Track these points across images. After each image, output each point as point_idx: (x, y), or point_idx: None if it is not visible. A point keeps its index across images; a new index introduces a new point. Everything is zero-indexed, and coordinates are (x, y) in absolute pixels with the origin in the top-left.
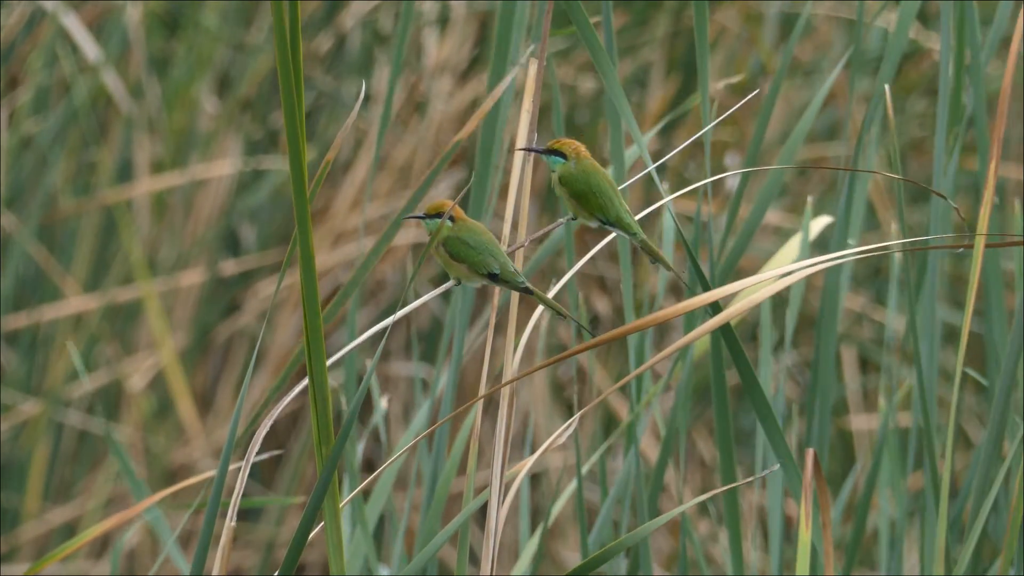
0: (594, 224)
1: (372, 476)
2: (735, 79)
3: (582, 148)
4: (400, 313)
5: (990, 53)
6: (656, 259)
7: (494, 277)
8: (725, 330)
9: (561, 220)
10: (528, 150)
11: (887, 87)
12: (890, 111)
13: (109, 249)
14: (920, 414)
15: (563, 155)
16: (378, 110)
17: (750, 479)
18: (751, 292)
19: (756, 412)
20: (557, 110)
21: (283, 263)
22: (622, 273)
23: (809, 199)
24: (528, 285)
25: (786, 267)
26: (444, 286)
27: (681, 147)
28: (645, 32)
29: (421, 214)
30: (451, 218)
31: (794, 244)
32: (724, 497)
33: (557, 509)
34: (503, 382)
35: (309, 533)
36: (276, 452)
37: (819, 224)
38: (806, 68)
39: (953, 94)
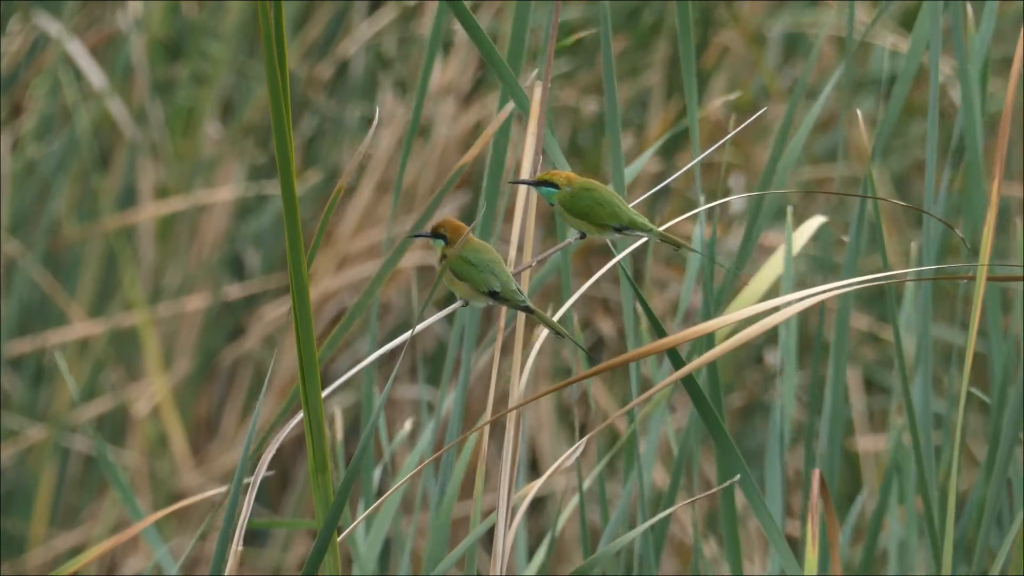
0: (608, 236)
1: (378, 503)
2: (733, 96)
3: (572, 174)
4: (407, 336)
5: (986, 69)
6: (679, 247)
7: (495, 295)
8: (688, 381)
9: (570, 239)
10: (520, 182)
11: (859, 112)
12: (863, 131)
13: (114, 274)
14: (913, 436)
15: (555, 185)
16: (382, 134)
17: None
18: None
19: (720, 455)
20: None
21: (290, 287)
22: (622, 298)
23: (789, 209)
24: (529, 304)
25: (778, 301)
26: (451, 307)
27: (677, 173)
28: (646, 55)
29: (428, 232)
30: (444, 237)
31: (778, 257)
32: (723, 521)
33: (559, 526)
34: (509, 407)
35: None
36: (270, 472)
37: (811, 226)
38: (809, 90)
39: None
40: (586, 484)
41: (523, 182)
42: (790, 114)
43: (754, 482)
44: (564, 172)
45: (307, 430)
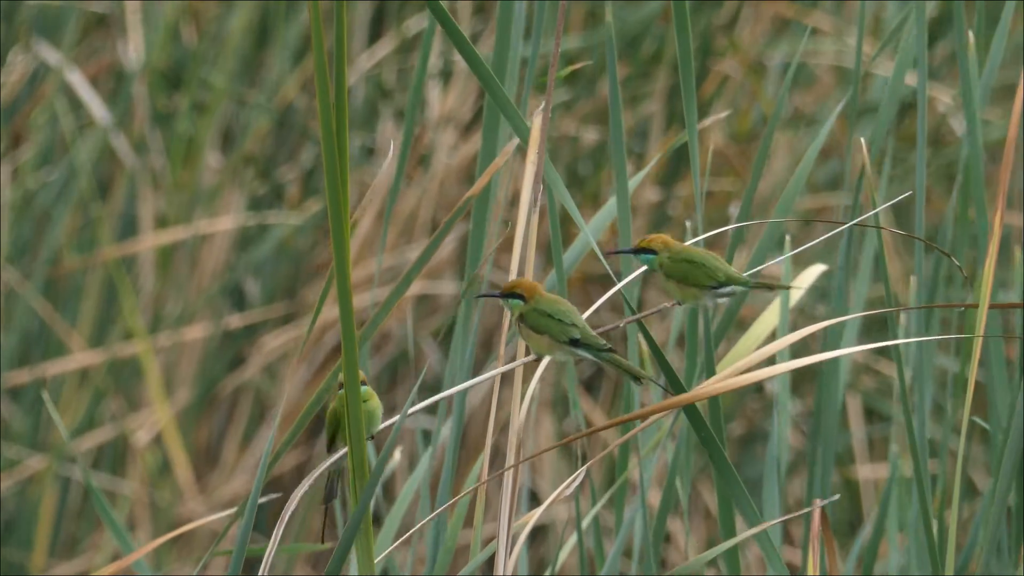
0: (709, 297)
1: (377, 533)
2: (721, 115)
3: (669, 239)
4: (446, 393)
5: (985, 98)
6: (773, 289)
7: (576, 343)
8: (690, 411)
9: (665, 304)
10: (619, 252)
11: (863, 140)
12: (867, 161)
13: (114, 304)
14: (915, 465)
15: (652, 251)
16: (382, 163)
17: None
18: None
19: (722, 487)
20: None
21: (286, 316)
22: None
23: (788, 238)
24: (612, 349)
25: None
26: (522, 359)
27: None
28: (646, 84)
29: (498, 293)
30: (523, 297)
31: (775, 309)
32: (725, 552)
33: (561, 560)
34: (510, 437)
35: None
36: (276, 495)
37: (813, 273)
38: (808, 118)
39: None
40: (587, 513)
41: (624, 252)
42: (768, 140)
43: (755, 507)
44: (661, 237)
45: (347, 437)
